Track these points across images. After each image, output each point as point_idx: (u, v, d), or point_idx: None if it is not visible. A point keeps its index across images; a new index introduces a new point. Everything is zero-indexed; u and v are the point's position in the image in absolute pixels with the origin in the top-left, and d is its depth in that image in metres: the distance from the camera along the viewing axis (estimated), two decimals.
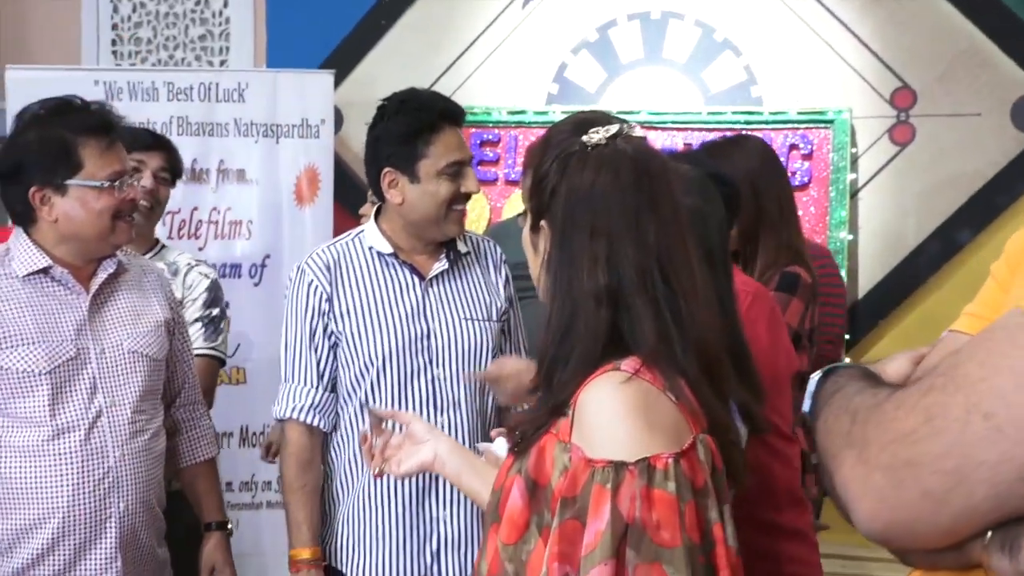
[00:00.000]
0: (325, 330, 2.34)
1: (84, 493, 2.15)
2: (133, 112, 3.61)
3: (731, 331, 1.86)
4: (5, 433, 2.15)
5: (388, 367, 2.35)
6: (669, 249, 1.39)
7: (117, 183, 2.16)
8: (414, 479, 2.29)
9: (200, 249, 4.54)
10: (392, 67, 5.65)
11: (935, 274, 4.86)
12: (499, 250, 2.57)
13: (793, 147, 4.92)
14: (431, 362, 2.39)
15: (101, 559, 2.18)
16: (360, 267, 2.40)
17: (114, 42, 6.15)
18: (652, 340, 1.36)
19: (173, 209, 4.38)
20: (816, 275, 3.07)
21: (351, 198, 4.83)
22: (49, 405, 2.13)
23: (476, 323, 2.44)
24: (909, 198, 4.97)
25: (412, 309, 2.39)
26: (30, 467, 2.13)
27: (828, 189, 4.95)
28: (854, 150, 5.02)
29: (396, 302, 2.39)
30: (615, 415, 1.31)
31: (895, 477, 0.89)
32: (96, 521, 2.16)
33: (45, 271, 2.18)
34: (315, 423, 2.35)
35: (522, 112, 5.40)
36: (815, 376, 1.16)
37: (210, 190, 4.74)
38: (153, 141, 3.00)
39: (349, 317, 2.35)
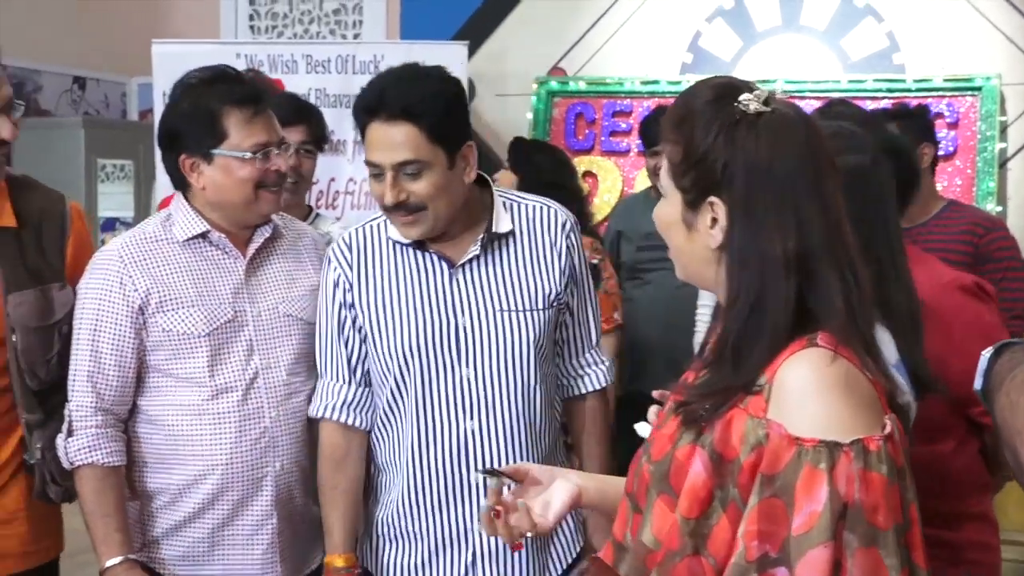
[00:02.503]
0: (354, 323, 2.15)
1: (242, 451, 2.20)
2: None
3: (902, 291, 1.82)
4: (170, 392, 2.20)
5: (410, 365, 2.10)
6: (842, 213, 1.37)
7: (261, 154, 2.20)
8: (438, 485, 2.11)
9: (337, 219, 4.62)
10: (523, 39, 5.70)
11: None
12: (561, 218, 2.20)
13: (938, 115, 4.74)
14: (459, 360, 2.11)
15: (258, 515, 2.22)
16: (383, 252, 2.16)
17: (251, 16, 6.33)
18: (841, 311, 1.32)
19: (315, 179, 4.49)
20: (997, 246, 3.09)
21: (483, 167, 4.83)
22: (208, 366, 2.19)
23: (514, 314, 2.12)
24: None
25: (438, 300, 2.11)
26: (193, 425, 2.19)
27: (975, 159, 4.79)
28: (1003, 118, 4.86)
29: (420, 292, 2.12)
30: (824, 394, 1.27)
31: None
32: (253, 479, 2.21)
33: (204, 236, 2.25)
34: (349, 421, 2.17)
35: (655, 82, 5.38)
36: (986, 353, 1.11)
37: (347, 161, 4.84)
38: (294, 115, 3.01)
39: (370, 309, 2.14)
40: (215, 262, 2.23)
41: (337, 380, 2.17)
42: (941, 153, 4.57)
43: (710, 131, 1.34)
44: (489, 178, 2.22)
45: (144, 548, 2.24)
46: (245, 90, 2.22)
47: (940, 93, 4.82)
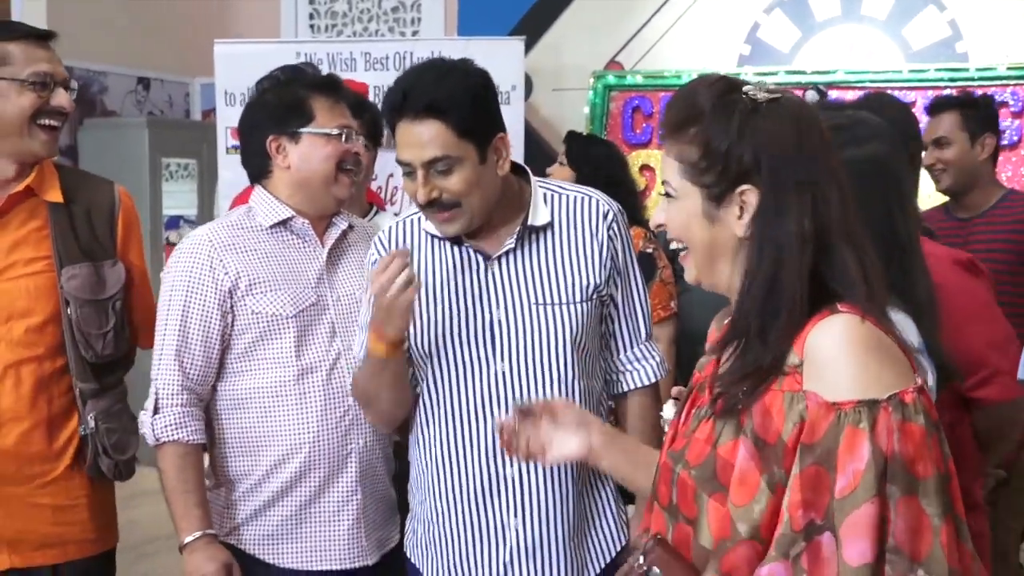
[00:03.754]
0: None
1: (327, 429, 2.25)
2: None
3: (921, 276, 1.82)
4: (257, 374, 2.26)
5: (443, 360, 2.08)
6: (849, 192, 1.41)
7: (344, 134, 2.32)
8: (474, 480, 2.08)
9: (396, 215, 4.66)
10: (580, 33, 5.73)
11: None
12: (603, 208, 2.15)
13: (1002, 104, 4.69)
14: (494, 355, 2.07)
15: (343, 492, 2.27)
16: (420, 246, 2.13)
17: (311, 16, 6.41)
18: (861, 284, 1.35)
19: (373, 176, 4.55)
20: None
21: (539, 161, 4.87)
22: (295, 347, 2.25)
23: (550, 308, 2.07)
24: None
25: (473, 294, 2.08)
26: (279, 405, 2.25)
27: None
28: None
29: (455, 286, 2.09)
30: (856, 354, 1.28)
31: None
32: (339, 456, 2.26)
33: (285, 224, 2.33)
34: None
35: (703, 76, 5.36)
36: None
37: None
38: (355, 109, 3.08)
39: None
40: (297, 249, 2.32)
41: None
42: (1005, 143, 4.53)
43: (730, 125, 1.35)
44: (527, 168, 2.19)
45: (231, 532, 2.29)
46: (328, 79, 2.38)
47: (1004, 82, 4.75)
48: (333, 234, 2.34)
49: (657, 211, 1.49)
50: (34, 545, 2.30)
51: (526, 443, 1.70)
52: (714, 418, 1.39)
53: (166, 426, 2.22)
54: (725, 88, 1.38)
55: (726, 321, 1.51)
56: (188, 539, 2.20)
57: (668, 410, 1.90)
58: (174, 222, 6.67)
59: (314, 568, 2.28)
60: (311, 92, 2.30)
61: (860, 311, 1.32)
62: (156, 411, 2.24)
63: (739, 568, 1.31)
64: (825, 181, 1.37)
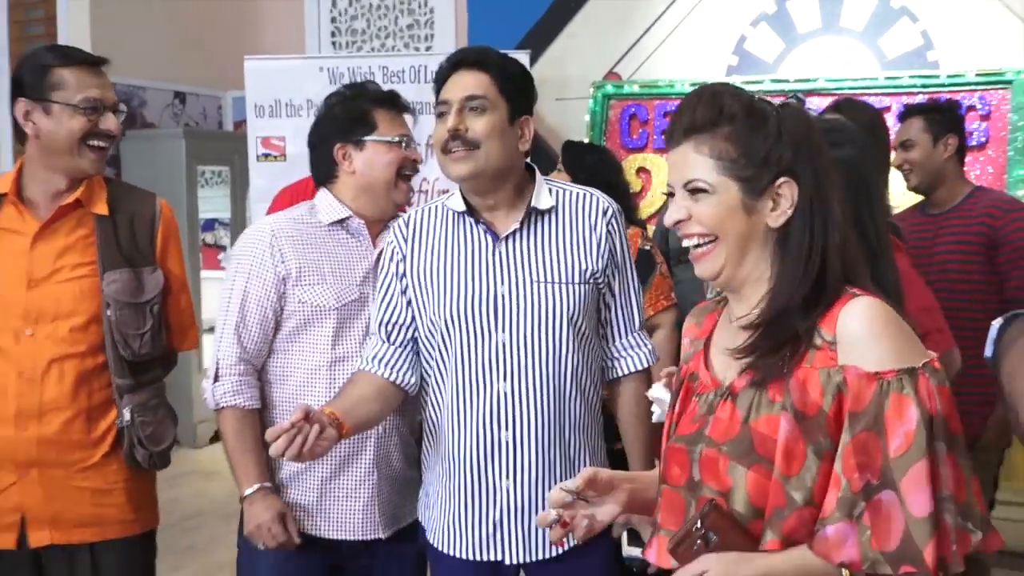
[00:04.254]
0: (403, 292, 2.19)
1: None
2: None
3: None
4: (296, 355, 2.32)
5: (452, 330, 2.12)
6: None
7: (404, 142, 2.41)
8: (475, 444, 2.11)
9: None
10: (581, 46, 5.76)
11: None
12: (602, 206, 2.18)
13: (971, 108, 4.73)
14: (497, 326, 2.10)
15: (360, 472, 2.31)
16: (437, 224, 2.19)
17: (333, 33, 6.46)
18: (865, 269, 1.44)
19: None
20: (1014, 227, 3.13)
21: (543, 165, 4.86)
22: (333, 337, 2.28)
23: (550, 286, 2.10)
24: None
25: (481, 270, 2.12)
26: (312, 387, 2.30)
27: (1006, 149, 4.74)
28: None
29: (465, 262, 2.13)
30: (889, 330, 1.34)
31: None
32: (357, 440, 2.28)
33: (343, 223, 2.35)
34: (379, 374, 2.18)
35: (703, 84, 5.37)
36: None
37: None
38: None
39: (419, 277, 2.16)
40: (350, 248, 2.36)
41: (376, 339, 2.22)
42: (973, 144, 4.60)
43: (767, 125, 1.40)
44: (535, 166, 2.24)
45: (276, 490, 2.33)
46: (389, 94, 2.44)
47: (972, 87, 4.77)
48: (386, 237, 2.35)
49: (673, 209, 1.47)
50: (73, 524, 2.32)
51: (585, 525, 1.58)
52: (733, 398, 1.42)
53: (224, 393, 2.28)
54: (746, 95, 1.42)
55: (708, 314, 1.58)
56: (248, 491, 2.25)
57: (655, 390, 1.93)
58: (209, 224, 6.72)
59: (333, 538, 2.33)
60: (373, 105, 2.37)
61: (872, 294, 1.38)
62: (216, 379, 2.29)
63: (798, 531, 1.34)
64: (831, 177, 1.42)
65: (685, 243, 1.48)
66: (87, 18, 5.78)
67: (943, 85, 4.84)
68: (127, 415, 2.34)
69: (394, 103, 2.43)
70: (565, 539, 1.62)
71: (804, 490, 1.33)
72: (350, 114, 2.39)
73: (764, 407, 1.38)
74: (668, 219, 1.48)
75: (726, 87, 1.44)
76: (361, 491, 2.33)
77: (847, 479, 1.30)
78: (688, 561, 1.37)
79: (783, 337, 1.38)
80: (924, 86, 4.91)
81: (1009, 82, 4.82)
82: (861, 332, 1.34)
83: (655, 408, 2.03)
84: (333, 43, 6.42)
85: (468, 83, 2.08)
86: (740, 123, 1.39)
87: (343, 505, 2.33)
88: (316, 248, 2.34)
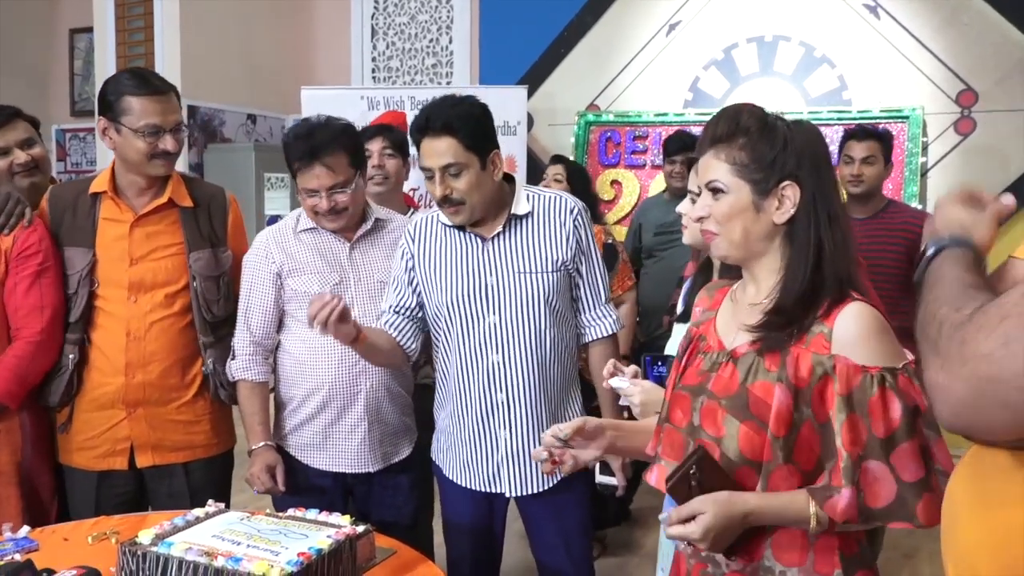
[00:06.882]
0: (410, 283, 2.17)
1: (342, 373, 2.26)
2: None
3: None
4: (296, 331, 2.29)
5: (453, 314, 2.10)
6: None
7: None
8: (476, 403, 2.11)
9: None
10: (569, 82, 5.77)
11: None
12: (568, 206, 2.14)
13: None
14: (488, 310, 2.08)
15: (354, 420, 2.29)
16: (437, 232, 2.15)
17: (373, 69, 6.48)
18: (859, 268, 1.37)
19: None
20: None
21: (536, 179, 4.91)
22: None
23: (530, 275, 2.08)
24: (969, 176, 4.80)
25: (473, 265, 2.09)
26: (310, 352, 2.27)
27: (903, 170, 4.81)
28: (925, 139, 4.89)
29: (460, 260, 2.11)
30: (879, 334, 1.30)
31: (976, 389, 0.82)
32: (350, 394, 2.27)
33: (314, 229, 2.31)
34: (393, 336, 2.20)
35: (664, 114, 5.43)
36: (928, 251, 1.05)
37: None
38: (375, 131, 3.02)
39: (425, 272, 2.14)
40: (328, 244, 2.32)
41: (387, 314, 2.20)
42: None
43: (775, 135, 1.35)
44: (515, 177, 2.21)
45: (284, 439, 2.34)
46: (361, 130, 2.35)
47: (877, 120, 4.81)
48: (358, 232, 2.33)
49: (698, 207, 1.41)
50: (169, 448, 2.34)
51: (571, 461, 1.59)
52: (734, 361, 1.37)
53: (237, 368, 2.29)
54: (759, 110, 1.38)
55: (719, 289, 1.53)
56: (253, 447, 2.28)
57: (616, 381, 1.80)
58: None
59: (334, 470, 2.32)
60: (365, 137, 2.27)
61: (866, 299, 1.32)
62: (232, 358, 2.31)
63: (780, 484, 1.31)
64: (829, 183, 1.36)
65: (704, 228, 1.41)
66: (178, 59, 5.80)
67: (854, 119, 4.87)
68: (210, 364, 2.35)
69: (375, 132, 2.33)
70: (552, 474, 1.64)
71: (787, 449, 1.30)
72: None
73: (761, 373, 1.33)
74: (693, 214, 1.45)
75: (746, 106, 1.39)
76: (355, 434, 2.30)
77: (847, 452, 1.26)
78: (679, 493, 1.31)
79: (791, 320, 1.33)
80: (840, 119, 4.93)
81: (906, 117, 4.89)
82: (854, 333, 1.29)
83: (621, 393, 1.89)
84: (373, 77, 6.43)
85: (441, 150, 1.99)
86: (753, 135, 1.35)
87: (342, 446, 2.32)
88: (300, 246, 2.31)
